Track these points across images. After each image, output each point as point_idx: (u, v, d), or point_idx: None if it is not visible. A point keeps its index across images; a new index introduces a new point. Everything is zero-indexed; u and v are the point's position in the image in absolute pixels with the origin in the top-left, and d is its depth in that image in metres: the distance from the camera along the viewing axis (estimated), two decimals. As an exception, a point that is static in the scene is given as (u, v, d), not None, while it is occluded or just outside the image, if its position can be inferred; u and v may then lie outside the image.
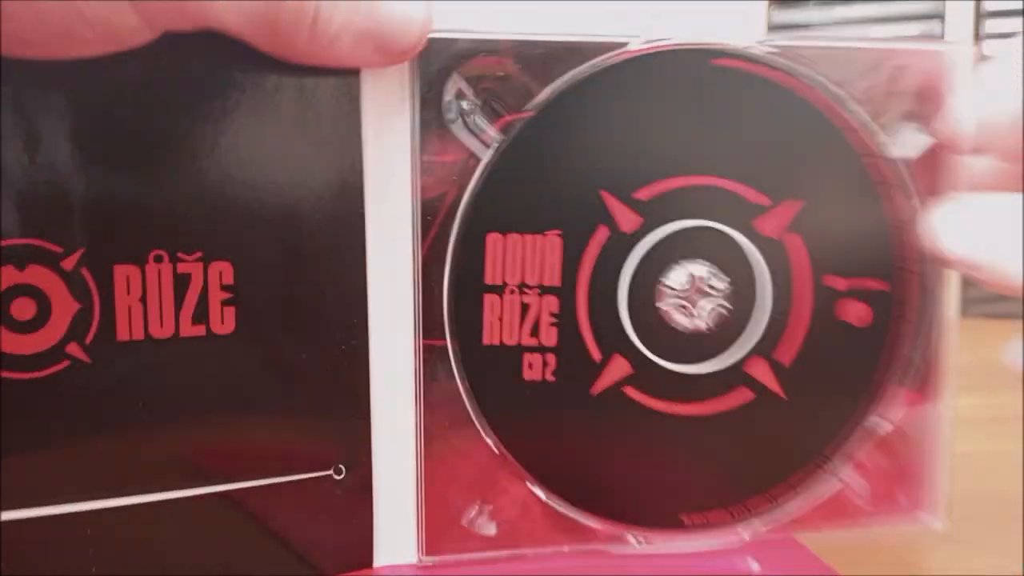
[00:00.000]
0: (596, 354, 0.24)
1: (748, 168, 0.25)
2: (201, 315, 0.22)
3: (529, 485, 0.25)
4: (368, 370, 0.23)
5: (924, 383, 0.27)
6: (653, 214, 0.24)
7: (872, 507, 0.27)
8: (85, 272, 0.20)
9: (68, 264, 0.20)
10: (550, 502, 0.25)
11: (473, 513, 0.24)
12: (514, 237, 0.24)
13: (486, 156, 0.24)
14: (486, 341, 0.24)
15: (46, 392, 0.20)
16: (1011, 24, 0.68)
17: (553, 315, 0.24)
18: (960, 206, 0.25)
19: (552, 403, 0.24)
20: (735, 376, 0.25)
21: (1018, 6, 0.69)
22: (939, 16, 0.70)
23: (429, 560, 0.24)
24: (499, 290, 0.24)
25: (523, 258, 0.24)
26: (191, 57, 0.21)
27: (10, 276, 0.20)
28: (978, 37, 0.78)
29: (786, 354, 0.26)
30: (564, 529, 0.25)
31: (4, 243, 0.20)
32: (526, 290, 0.24)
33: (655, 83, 0.24)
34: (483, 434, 0.24)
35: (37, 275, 0.20)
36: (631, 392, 0.25)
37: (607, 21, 0.25)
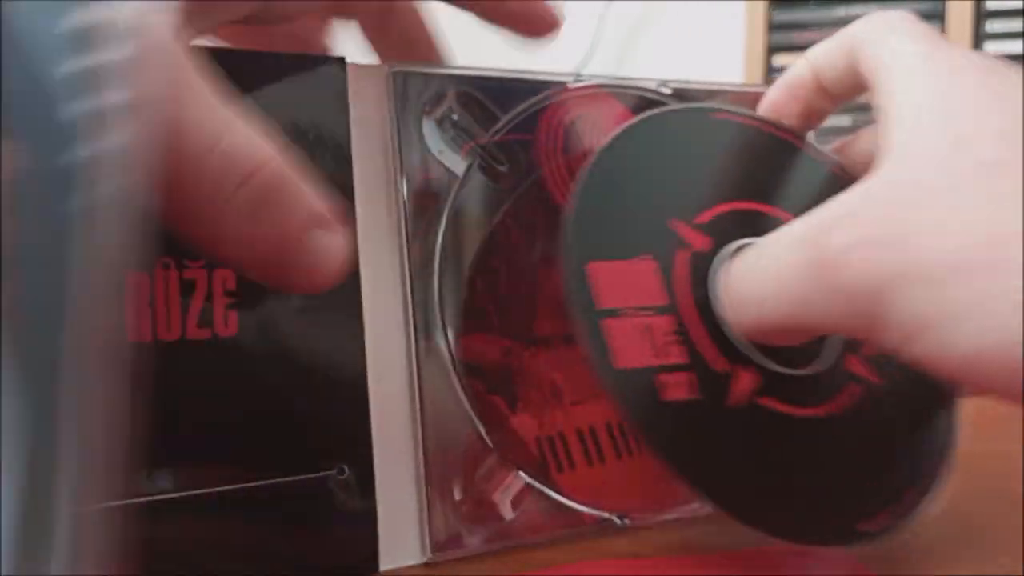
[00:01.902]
0: (722, 367, 0.25)
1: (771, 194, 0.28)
2: (207, 319, 0.23)
3: (522, 476, 0.26)
4: (365, 372, 0.25)
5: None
6: (716, 235, 0.26)
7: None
8: (97, 279, 0.22)
9: (82, 272, 0.22)
10: (544, 489, 0.26)
11: (479, 507, 0.26)
12: (614, 264, 0.25)
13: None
14: (620, 364, 0.24)
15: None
16: (1011, 24, 0.69)
17: (674, 333, 0.24)
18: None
19: (702, 420, 0.24)
20: (841, 373, 0.26)
21: (1018, 6, 0.71)
22: (939, 16, 0.74)
23: (436, 557, 0.25)
24: (617, 314, 0.24)
25: (628, 283, 0.25)
26: None
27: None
28: (978, 37, 0.80)
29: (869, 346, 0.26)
30: (555, 516, 0.26)
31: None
32: (641, 312, 0.24)
33: (682, 134, 0.28)
34: (480, 430, 0.26)
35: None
36: (768, 402, 0.25)
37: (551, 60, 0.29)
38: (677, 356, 0.24)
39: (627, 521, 0.27)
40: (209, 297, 0.23)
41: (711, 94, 0.30)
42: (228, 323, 0.23)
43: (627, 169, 0.26)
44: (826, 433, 0.25)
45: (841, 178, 0.27)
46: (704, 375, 0.24)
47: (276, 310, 0.24)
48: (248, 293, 0.24)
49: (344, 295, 0.25)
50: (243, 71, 0.24)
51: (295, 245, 0.18)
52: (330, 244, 0.19)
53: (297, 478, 0.24)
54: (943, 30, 0.71)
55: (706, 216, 0.26)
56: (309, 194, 0.19)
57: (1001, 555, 0.25)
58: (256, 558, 0.24)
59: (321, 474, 0.24)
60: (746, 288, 0.24)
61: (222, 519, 0.23)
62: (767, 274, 0.23)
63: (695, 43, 1.22)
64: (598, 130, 0.28)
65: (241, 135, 0.18)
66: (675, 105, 0.29)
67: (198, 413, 0.23)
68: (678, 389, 0.24)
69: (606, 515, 0.27)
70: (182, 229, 0.18)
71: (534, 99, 0.27)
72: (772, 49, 1.17)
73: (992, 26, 0.71)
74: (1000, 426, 0.36)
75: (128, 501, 0.22)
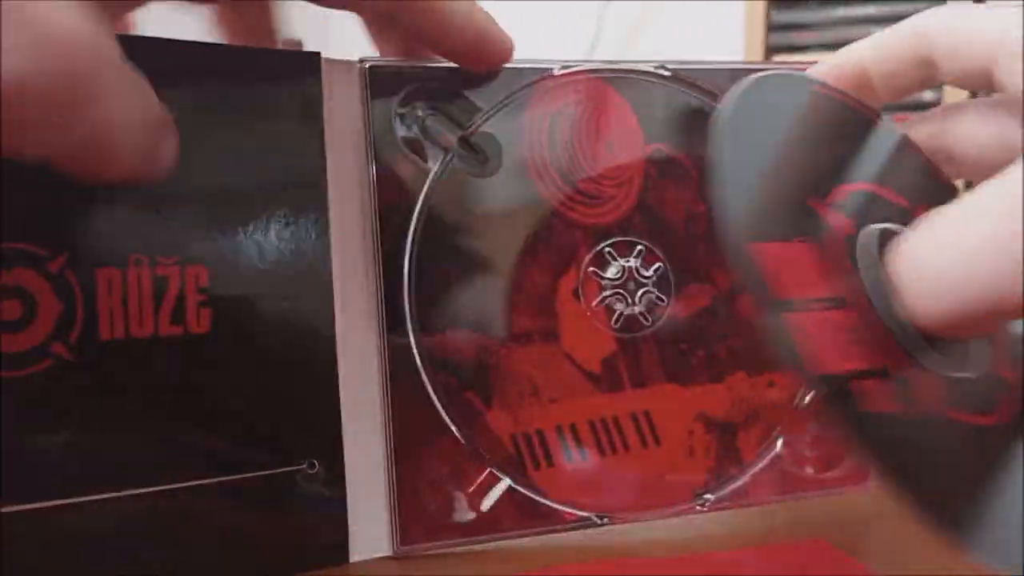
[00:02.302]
0: (905, 369, 0.21)
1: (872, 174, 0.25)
2: (179, 316, 0.23)
3: (495, 472, 0.26)
4: (336, 367, 0.25)
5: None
6: (852, 217, 0.23)
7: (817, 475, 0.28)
8: (69, 274, 0.22)
9: (54, 267, 0.22)
10: (519, 488, 0.26)
11: (449, 501, 0.26)
12: (775, 247, 0.21)
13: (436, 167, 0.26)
14: (819, 369, 0.20)
15: (31, 389, 0.22)
16: None
17: (854, 330, 0.21)
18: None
19: (907, 430, 0.21)
20: (993, 378, 0.23)
21: (1018, 6, 0.71)
22: None
23: (404, 551, 0.25)
24: (795, 307, 0.21)
25: (794, 269, 0.21)
26: (168, 81, 0.22)
27: (1, 277, 0.21)
28: None
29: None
30: (532, 515, 0.26)
31: (-5, 247, 0.21)
32: (819, 305, 0.21)
33: (787, 104, 0.25)
34: (450, 425, 0.26)
35: (24, 277, 0.22)
36: (955, 414, 0.22)
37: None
38: (863, 357, 0.21)
39: (607, 521, 0.27)
40: (181, 294, 0.23)
41: (712, 74, 0.29)
42: (200, 320, 0.23)
43: (756, 139, 0.23)
44: (1002, 443, 0.22)
45: (920, 156, 0.26)
46: (896, 380, 0.21)
47: (248, 307, 0.24)
48: (221, 290, 0.24)
49: (316, 290, 0.25)
50: (217, 65, 0.24)
51: (153, 152, 0.20)
52: (168, 141, 0.20)
53: (268, 472, 0.24)
54: None
55: (836, 196, 0.23)
56: (155, 99, 0.20)
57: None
58: (229, 550, 0.24)
59: (291, 468, 0.24)
60: (943, 272, 0.20)
61: (194, 513, 0.23)
62: (964, 254, 0.20)
63: (694, 43, 1.21)
64: (588, 118, 0.28)
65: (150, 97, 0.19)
66: (779, 69, 0.26)
67: (170, 409, 0.23)
68: (877, 397, 0.21)
69: (586, 514, 0.27)
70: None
71: (517, 88, 0.27)
72: (772, 49, 1.17)
73: None
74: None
75: (107, 495, 0.22)
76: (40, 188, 0.22)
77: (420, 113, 0.26)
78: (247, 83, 0.24)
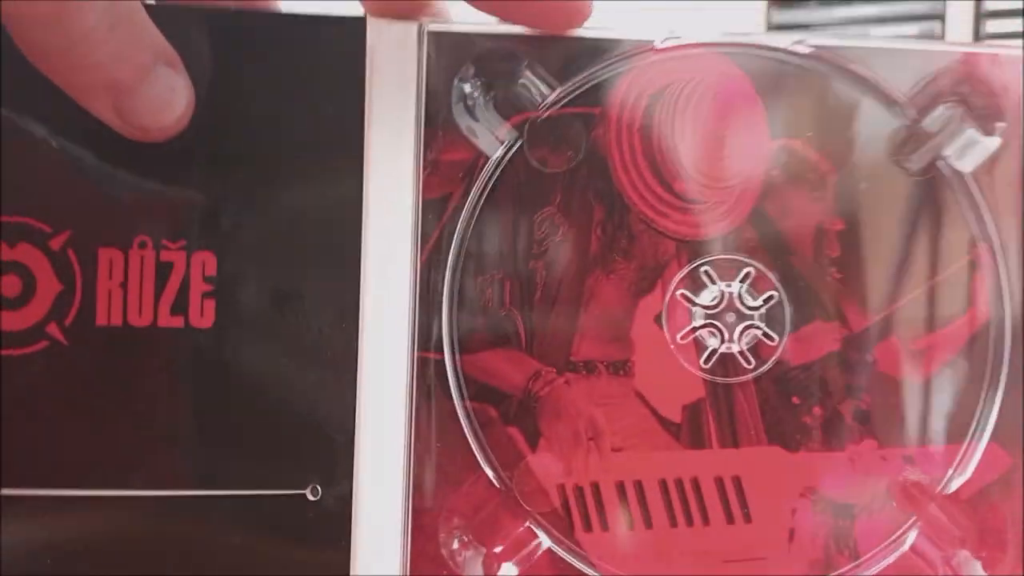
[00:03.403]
0: None
1: None
2: (180, 306, 0.21)
3: (533, 527, 0.22)
4: (356, 384, 0.21)
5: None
6: None
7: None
8: (71, 253, 0.20)
9: (55, 244, 0.20)
10: (556, 550, 0.22)
11: (468, 554, 0.22)
12: None
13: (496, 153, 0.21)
14: None
15: (24, 371, 0.20)
16: (1011, 24, 0.67)
17: None
18: None
19: None
20: None
21: (1018, 6, 0.68)
22: (939, 16, 0.71)
23: None
24: None
25: None
26: (189, 50, 0.20)
27: (3, 253, 0.20)
28: (978, 37, 0.70)
29: None
30: (571, 584, 0.22)
31: (1, 219, 0.20)
32: None
33: None
34: (482, 463, 0.22)
35: (25, 253, 0.20)
36: None
37: (624, 19, 0.22)
38: None
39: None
40: (185, 282, 0.21)
41: (865, 53, 0.23)
42: (204, 312, 0.21)
43: None
44: None
45: None
46: None
47: (258, 302, 0.21)
48: (229, 281, 0.21)
49: (340, 292, 0.21)
50: (255, 32, 0.21)
51: (144, 74, 0.19)
52: (175, 83, 0.20)
53: (264, 493, 0.21)
54: (943, 30, 0.69)
55: None
56: (157, 32, 0.19)
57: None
58: (220, 566, 0.21)
59: (290, 492, 0.21)
60: None
61: (174, 527, 0.21)
62: None
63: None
64: (698, 104, 0.22)
65: None
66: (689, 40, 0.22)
67: (161, 409, 0.21)
68: None
69: (640, 594, 0.21)
70: (41, 65, 0.18)
71: (605, 64, 0.22)
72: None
73: (992, 26, 0.69)
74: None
75: (93, 492, 0.20)
76: (44, 161, 0.20)
77: (483, 88, 0.22)
78: (279, 53, 0.21)
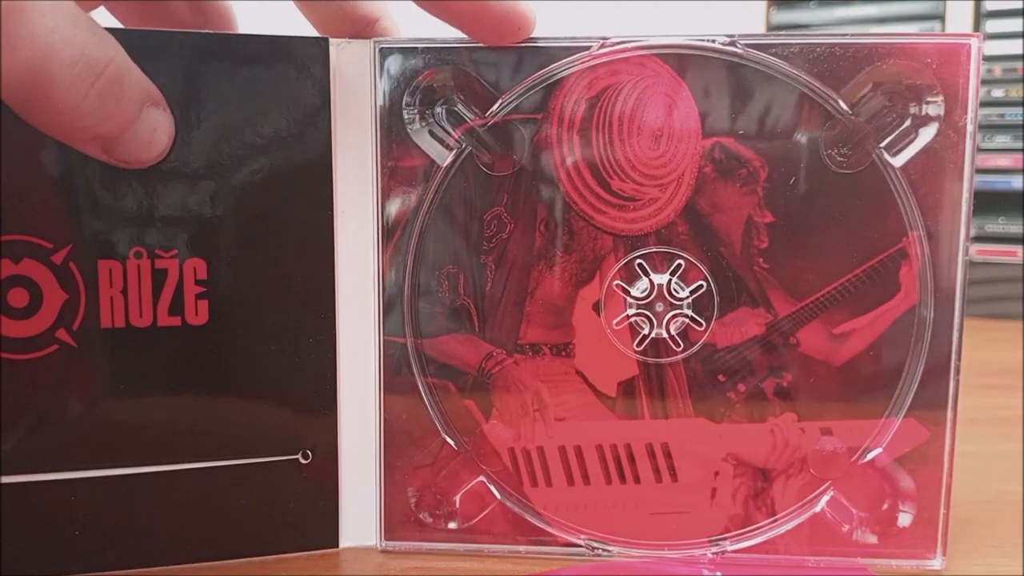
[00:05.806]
0: None
1: None
2: (177, 307, 0.24)
3: (486, 482, 0.25)
4: (335, 362, 0.25)
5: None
6: None
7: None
8: (72, 266, 0.23)
9: (57, 258, 0.23)
10: (507, 502, 0.25)
11: (437, 504, 0.25)
12: None
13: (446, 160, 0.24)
14: None
15: (38, 372, 0.23)
16: (1011, 24, 0.66)
17: None
18: None
19: None
20: None
21: (1018, 6, 0.67)
22: (939, 16, 0.72)
23: (389, 545, 0.25)
24: None
25: None
26: (168, 74, 0.22)
27: (7, 268, 0.23)
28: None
29: None
30: (522, 531, 0.25)
31: (3, 238, 0.23)
32: None
33: None
34: (442, 432, 0.25)
35: (30, 268, 0.23)
36: None
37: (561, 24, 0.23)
38: None
39: (598, 550, 0.25)
40: (180, 286, 0.24)
41: (799, 50, 0.23)
42: (198, 311, 0.24)
43: None
44: None
45: None
46: None
47: (246, 299, 0.24)
48: (218, 282, 0.24)
49: (317, 285, 0.24)
50: (222, 54, 0.23)
51: (134, 120, 0.21)
52: (158, 123, 0.22)
53: (263, 460, 0.25)
54: (943, 30, 0.68)
55: None
56: (142, 76, 0.21)
57: (1000, 555, 0.25)
58: (223, 528, 0.25)
59: (287, 457, 0.25)
60: None
61: (189, 495, 0.25)
62: None
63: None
64: (634, 106, 0.24)
65: (92, 37, 0.20)
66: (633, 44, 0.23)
67: (169, 397, 0.24)
68: None
69: (578, 540, 0.25)
70: (40, 124, 0.20)
71: (544, 71, 0.24)
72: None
73: (992, 26, 0.68)
74: (1000, 427, 0.37)
75: (108, 472, 0.24)
76: (42, 181, 0.23)
77: (432, 99, 0.24)
78: (253, 72, 0.23)
